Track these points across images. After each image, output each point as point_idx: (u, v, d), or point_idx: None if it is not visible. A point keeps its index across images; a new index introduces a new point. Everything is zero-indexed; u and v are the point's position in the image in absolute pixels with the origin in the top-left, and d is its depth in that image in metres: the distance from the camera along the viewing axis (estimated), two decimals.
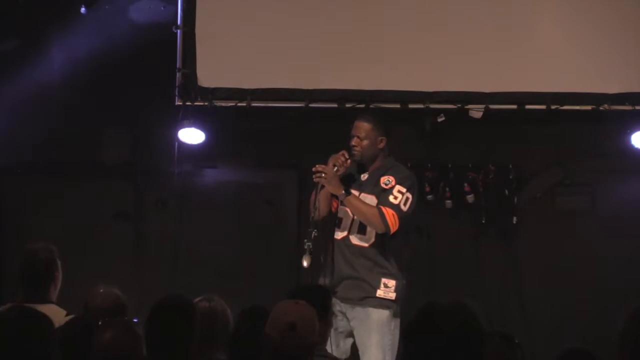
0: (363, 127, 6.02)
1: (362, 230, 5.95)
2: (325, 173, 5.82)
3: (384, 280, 5.91)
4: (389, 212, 5.87)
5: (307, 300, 4.12)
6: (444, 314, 2.83)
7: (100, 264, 7.48)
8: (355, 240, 5.94)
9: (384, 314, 5.90)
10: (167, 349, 3.96)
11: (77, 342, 4.05)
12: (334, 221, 6.01)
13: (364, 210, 5.89)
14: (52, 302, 4.93)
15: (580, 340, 6.59)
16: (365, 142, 5.97)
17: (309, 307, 3.99)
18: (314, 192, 5.99)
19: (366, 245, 5.94)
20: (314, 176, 5.86)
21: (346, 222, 5.97)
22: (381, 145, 6.03)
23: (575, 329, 7.30)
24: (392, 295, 5.90)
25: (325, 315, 4.73)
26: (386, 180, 5.96)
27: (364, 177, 6.01)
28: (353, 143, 5.98)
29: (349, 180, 6.00)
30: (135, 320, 4.29)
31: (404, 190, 5.94)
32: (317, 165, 5.86)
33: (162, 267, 7.67)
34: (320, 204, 5.96)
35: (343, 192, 5.85)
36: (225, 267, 7.55)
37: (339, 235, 5.97)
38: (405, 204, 5.92)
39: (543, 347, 6.78)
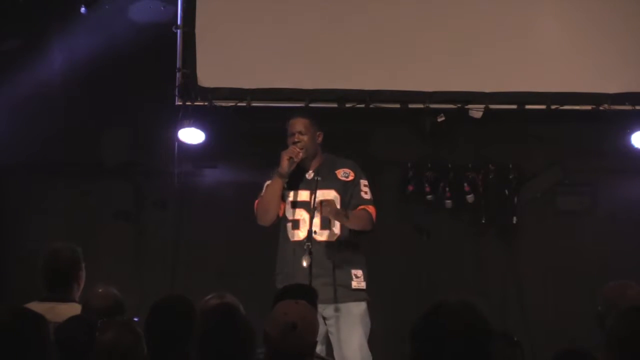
0: (302, 123, 6.14)
1: (326, 226, 5.97)
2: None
3: (353, 271, 5.98)
4: (372, 211, 6.04)
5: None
6: (452, 314, 2.83)
7: (100, 264, 7.47)
8: (320, 237, 5.95)
9: (362, 306, 6.00)
10: (167, 349, 3.96)
11: (76, 341, 4.05)
12: (287, 224, 6.03)
13: (360, 221, 5.98)
14: (74, 301, 4.94)
15: (580, 340, 6.58)
16: (306, 137, 6.06)
17: (309, 307, 3.98)
18: (258, 200, 6.02)
19: (333, 240, 5.98)
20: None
21: (305, 223, 5.97)
22: (319, 140, 6.15)
23: (575, 329, 7.30)
24: (363, 285, 6.02)
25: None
26: (343, 173, 6.07)
27: (310, 175, 6.06)
28: (295, 139, 6.08)
29: (294, 180, 6.02)
30: (135, 319, 4.30)
31: (366, 182, 6.12)
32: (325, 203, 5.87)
33: (162, 267, 7.66)
34: (273, 207, 6.00)
35: (345, 216, 5.87)
36: (225, 267, 7.54)
37: (300, 236, 5.99)
38: (372, 196, 6.09)
39: (543, 347, 6.77)
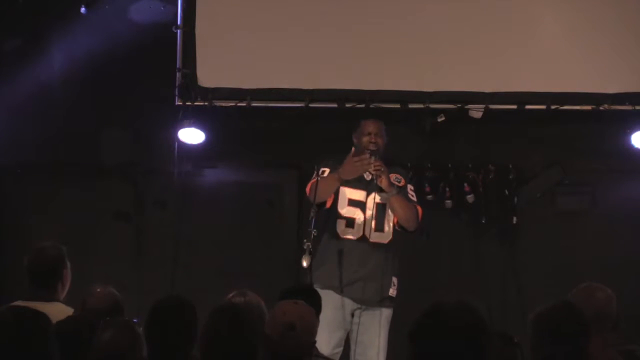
0: (380, 127, 6.15)
1: (380, 227, 6.00)
2: (383, 168, 5.89)
3: (393, 278, 6.00)
4: (420, 210, 6.10)
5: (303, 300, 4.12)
6: (450, 315, 2.83)
7: (100, 264, 7.48)
8: (373, 238, 5.98)
9: (390, 312, 6.07)
10: (167, 349, 3.96)
11: (76, 339, 4.05)
12: (338, 221, 6.02)
13: (407, 208, 6.00)
14: (58, 301, 4.91)
15: None
16: (380, 140, 6.06)
17: (308, 308, 3.99)
18: (314, 181, 5.99)
19: (385, 242, 6.00)
20: (374, 170, 5.87)
21: (359, 222, 5.99)
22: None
23: None
24: (395, 292, 6.07)
25: (318, 315, 4.74)
26: (395, 177, 6.10)
27: (368, 176, 6.05)
28: (372, 140, 6.04)
29: (352, 179, 6.04)
30: (135, 320, 4.29)
31: (413, 187, 6.23)
32: (374, 160, 5.88)
33: (162, 267, 7.66)
34: (326, 198, 5.96)
35: (395, 188, 5.92)
36: (225, 267, 7.54)
37: (353, 235, 6.00)
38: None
39: None
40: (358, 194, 6.05)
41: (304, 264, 5.77)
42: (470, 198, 7.68)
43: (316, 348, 4.56)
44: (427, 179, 7.68)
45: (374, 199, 5.99)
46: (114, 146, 7.85)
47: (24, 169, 7.79)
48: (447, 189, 7.70)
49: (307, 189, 6.06)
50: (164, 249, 7.75)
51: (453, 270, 7.69)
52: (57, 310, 4.61)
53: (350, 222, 6.03)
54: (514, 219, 7.69)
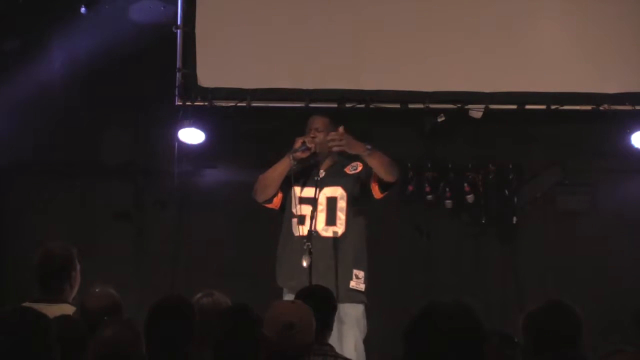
0: (321, 121, 6.19)
1: (331, 221, 5.98)
2: (340, 139, 5.88)
3: (355, 271, 5.95)
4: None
5: (316, 302, 4.10)
6: (445, 314, 2.83)
7: (100, 264, 7.47)
8: (324, 232, 5.96)
9: (359, 309, 5.95)
10: (167, 349, 3.96)
11: (76, 341, 4.05)
12: (292, 220, 6.03)
13: (387, 159, 5.96)
14: (66, 302, 4.90)
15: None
16: (322, 134, 6.08)
17: (306, 307, 3.98)
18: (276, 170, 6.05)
19: (337, 236, 5.97)
20: (333, 147, 5.91)
21: (309, 217, 5.98)
22: None
23: None
24: (362, 287, 5.97)
25: (333, 315, 4.72)
26: (351, 167, 6.16)
27: (322, 174, 6.08)
28: (311, 135, 6.11)
29: (305, 177, 6.05)
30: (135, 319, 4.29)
31: None
32: (331, 134, 5.92)
33: (162, 267, 7.66)
34: (273, 184, 6.04)
35: (368, 147, 5.90)
36: (225, 267, 7.55)
37: (303, 231, 5.97)
38: None
39: None
40: (310, 192, 6.05)
41: (304, 264, 5.76)
42: (470, 198, 7.68)
43: (332, 347, 4.54)
44: (427, 179, 7.68)
45: (325, 194, 6.01)
46: (114, 146, 7.85)
47: (24, 169, 7.79)
48: (447, 189, 7.70)
49: (256, 183, 6.16)
50: (164, 248, 7.76)
51: (453, 270, 7.69)
52: (66, 312, 4.60)
53: (301, 219, 6.02)
54: (514, 219, 7.69)
